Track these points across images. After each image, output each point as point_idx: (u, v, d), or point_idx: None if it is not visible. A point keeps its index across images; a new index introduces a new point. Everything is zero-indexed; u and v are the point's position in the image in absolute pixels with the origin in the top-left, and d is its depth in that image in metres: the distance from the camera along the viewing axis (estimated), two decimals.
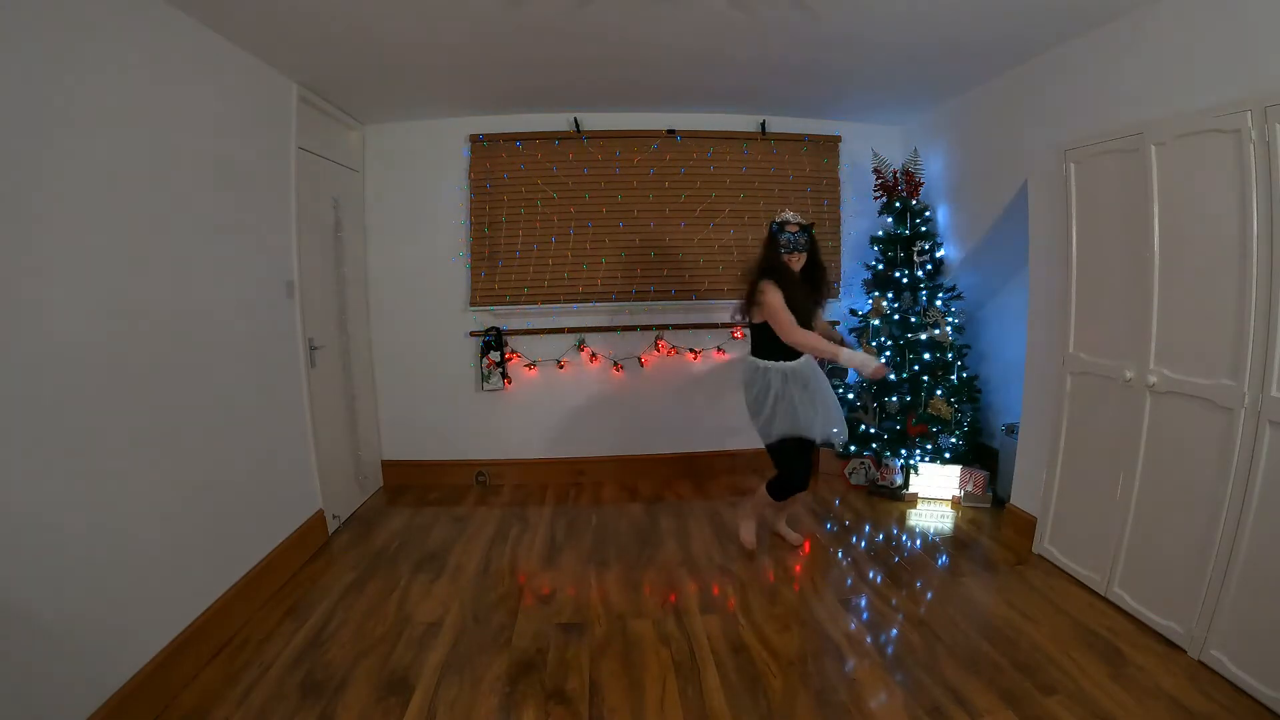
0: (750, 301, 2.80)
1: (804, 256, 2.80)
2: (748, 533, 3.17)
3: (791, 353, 2.82)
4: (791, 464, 2.88)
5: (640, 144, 4.09)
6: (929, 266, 3.86)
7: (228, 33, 2.53)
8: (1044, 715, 1.95)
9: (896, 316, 3.86)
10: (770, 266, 2.78)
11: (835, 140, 4.26)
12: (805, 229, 2.79)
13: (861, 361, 2.58)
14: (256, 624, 2.53)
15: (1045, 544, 2.98)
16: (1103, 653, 2.25)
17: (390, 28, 2.60)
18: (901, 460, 3.81)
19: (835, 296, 3.02)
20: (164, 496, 2.17)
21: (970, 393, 3.82)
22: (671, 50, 2.97)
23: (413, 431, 4.22)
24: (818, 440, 2.88)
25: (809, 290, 2.84)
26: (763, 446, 2.95)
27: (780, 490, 2.93)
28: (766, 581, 2.86)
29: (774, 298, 2.69)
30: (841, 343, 2.83)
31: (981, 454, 3.94)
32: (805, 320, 2.78)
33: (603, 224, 4.12)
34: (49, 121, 1.77)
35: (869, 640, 2.40)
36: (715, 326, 4.22)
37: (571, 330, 4.14)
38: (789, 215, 2.78)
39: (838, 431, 2.97)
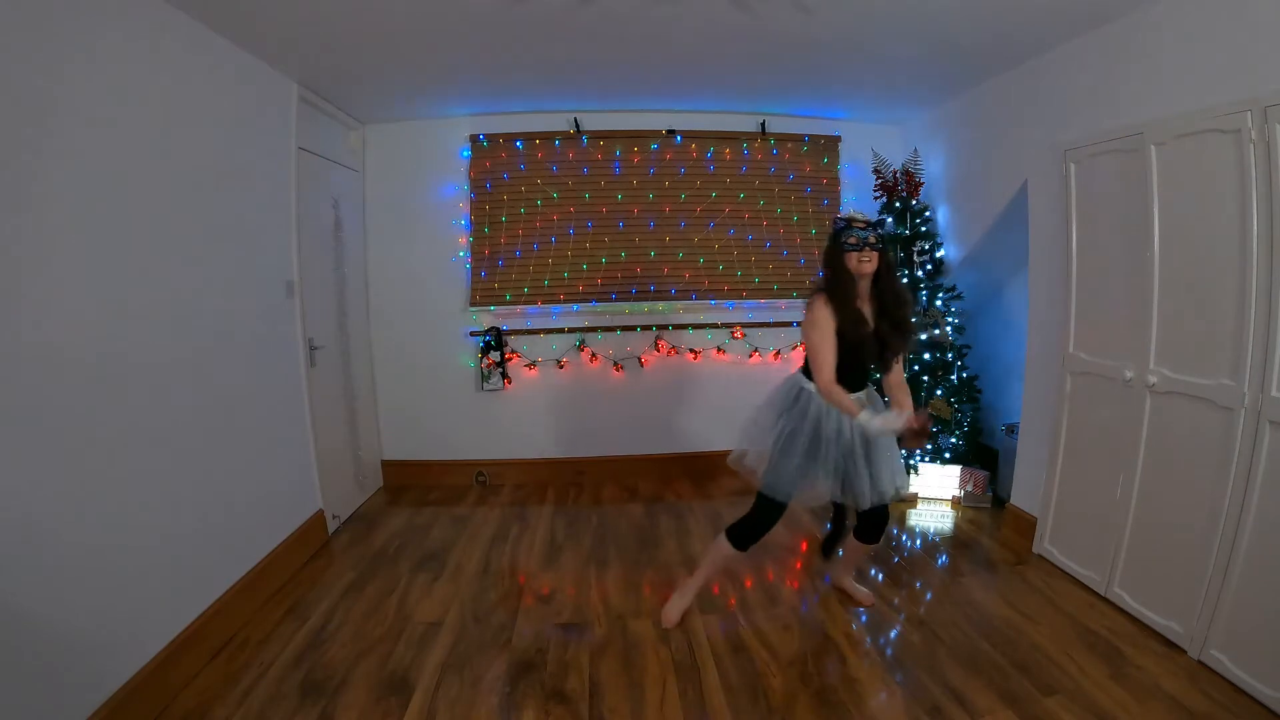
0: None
1: (875, 258, 2.21)
2: (675, 608, 2.54)
3: (853, 379, 2.28)
4: (772, 509, 2.36)
5: (640, 144, 4.09)
6: (929, 266, 3.87)
7: (228, 33, 2.52)
8: (1044, 715, 1.95)
9: None
10: (832, 276, 2.25)
11: (835, 140, 4.26)
12: (874, 227, 2.25)
13: (884, 426, 2.17)
14: (256, 624, 2.53)
15: (1045, 544, 2.98)
16: (1103, 653, 2.25)
17: (391, 26, 2.59)
18: (901, 460, 3.80)
19: (909, 342, 2.37)
20: (163, 496, 2.17)
21: (970, 393, 3.82)
22: (671, 49, 2.97)
23: (413, 431, 4.22)
24: (863, 505, 2.32)
25: (880, 321, 2.26)
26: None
27: (745, 536, 2.40)
28: (766, 581, 2.86)
29: (819, 318, 2.19)
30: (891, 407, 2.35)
31: (981, 454, 3.94)
32: (864, 362, 2.28)
33: (603, 224, 4.11)
34: (48, 122, 1.76)
35: (869, 640, 2.40)
36: (715, 326, 4.22)
37: (571, 330, 4.14)
38: (854, 211, 2.29)
39: (898, 487, 2.39)
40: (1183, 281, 2.28)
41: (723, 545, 2.43)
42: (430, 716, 2.01)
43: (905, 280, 3.85)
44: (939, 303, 3.80)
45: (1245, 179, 2.01)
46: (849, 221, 2.25)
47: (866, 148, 4.12)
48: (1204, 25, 2.18)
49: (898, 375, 2.40)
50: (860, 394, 2.32)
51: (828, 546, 2.77)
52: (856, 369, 2.29)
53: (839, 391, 2.19)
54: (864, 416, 2.17)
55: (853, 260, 2.20)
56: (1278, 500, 1.96)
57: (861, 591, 2.69)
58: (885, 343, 2.25)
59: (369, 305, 4.10)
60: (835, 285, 2.23)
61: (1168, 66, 2.33)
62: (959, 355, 3.79)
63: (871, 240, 2.21)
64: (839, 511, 2.64)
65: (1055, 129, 2.87)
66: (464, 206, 4.08)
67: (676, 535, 3.38)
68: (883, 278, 2.25)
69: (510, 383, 4.15)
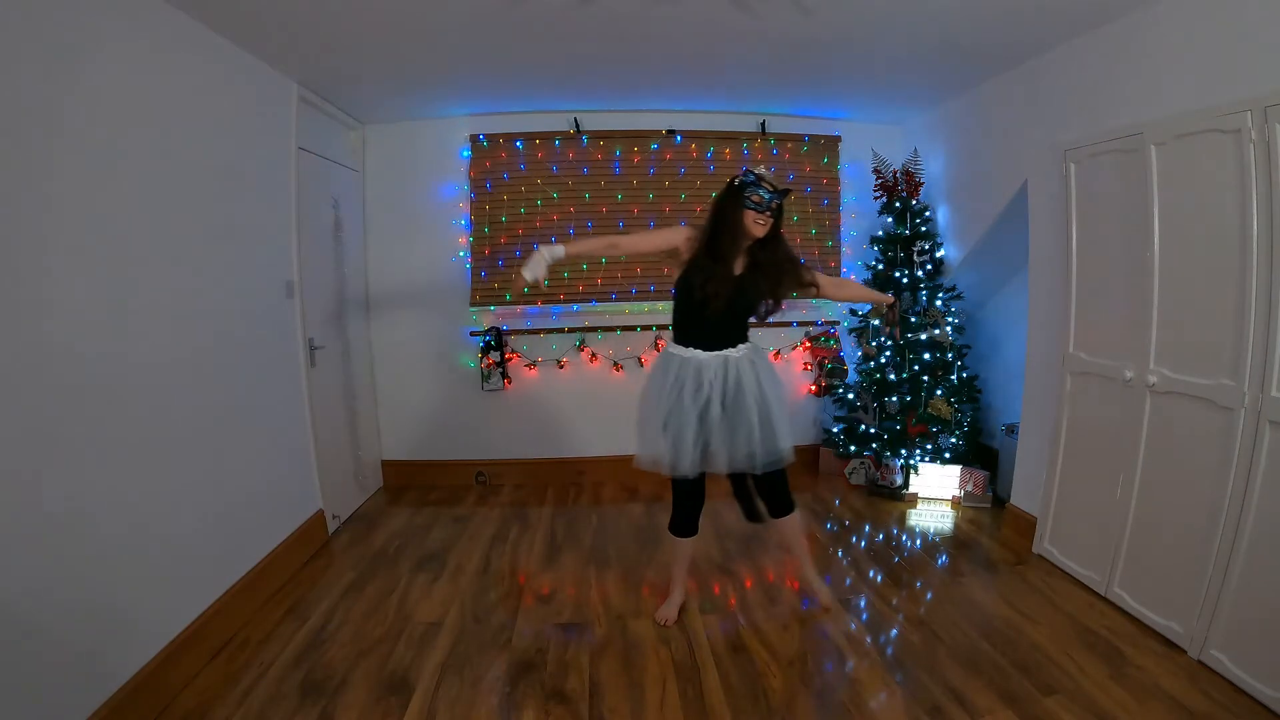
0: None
1: (770, 224, 2.19)
2: (670, 606, 2.55)
3: (711, 338, 2.25)
4: (676, 485, 2.39)
5: (640, 144, 4.09)
6: (929, 266, 3.87)
7: (228, 33, 2.52)
8: (1044, 715, 1.95)
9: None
10: (719, 226, 2.19)
11: (835, 140, 4.26)
12: (780, 194, 2.19)
13: (535, 263, 2.11)
14: (256, 624, 2.53)
15: (1045, 544, 2.98)
16: (1103, 653, 2.25)
17: (391, 26, 2.59)
18: (901, 460, 3.81)
19: (784, 287, 2.32)
20: (163, 496, 2.17)
21: (970, 393, 3.82)
22: (671, 49, 2.96)
23: (413, 431, 4.22)
24: (719, 469, 2.30)
25: (757, 278, 2.24)
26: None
27: (672, 522, 2.48)
28: (766, 581, 2.86)
29: (673, 230, 2.28)
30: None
31: (981, 454, 3.94)
32: (707, 318, 2.21)
33: (603, 224, 4.11)
34: (49, 123, 1.76)
35: (869, 640, 2.40)
36: None
37: (571, 330, 4.14)
38: (764, 172, 2.20)
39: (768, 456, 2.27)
40: (1183, 281, 2.28)
41: (670, 539, 2.53)
42: (430, 716, 2.01)
43: (905, 280, 3.86)
44: (939, 303, 3.81)
45: (1245, 179, 2.01)
46: (759, 179, 2.18)
47: (866, 148, 4.12)
48: (1204, 25, 2.18)
49: (828, 284, 2.45)
50: (731, 351, 2.27)
51: (747, 510, 2.62)
52: (706, 325, 2.24)
53: (583, 244, 2.32)
54: (542, 254, 2.12)
55: (749, 218, 2.16)
56: (1278, 500, 1.96)
57: (823, 590, 2.60)
58: (759, 296, 2.25)
59: (369, 305, 4.10)
60: (720, 236, 2.19)
61: (1168, 66, 2.33)
62: (959, 355, 3.80)
63: (775, 205, 2.18)
64: (733, 480, 2.53)
65: (1055, 129, 2.87)
66: (464, 206, 4.08)
67: None
68: (769, 244, 2.23)
69: (510, 383, 4.14)
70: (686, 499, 2.42)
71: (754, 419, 2.24)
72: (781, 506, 2.45)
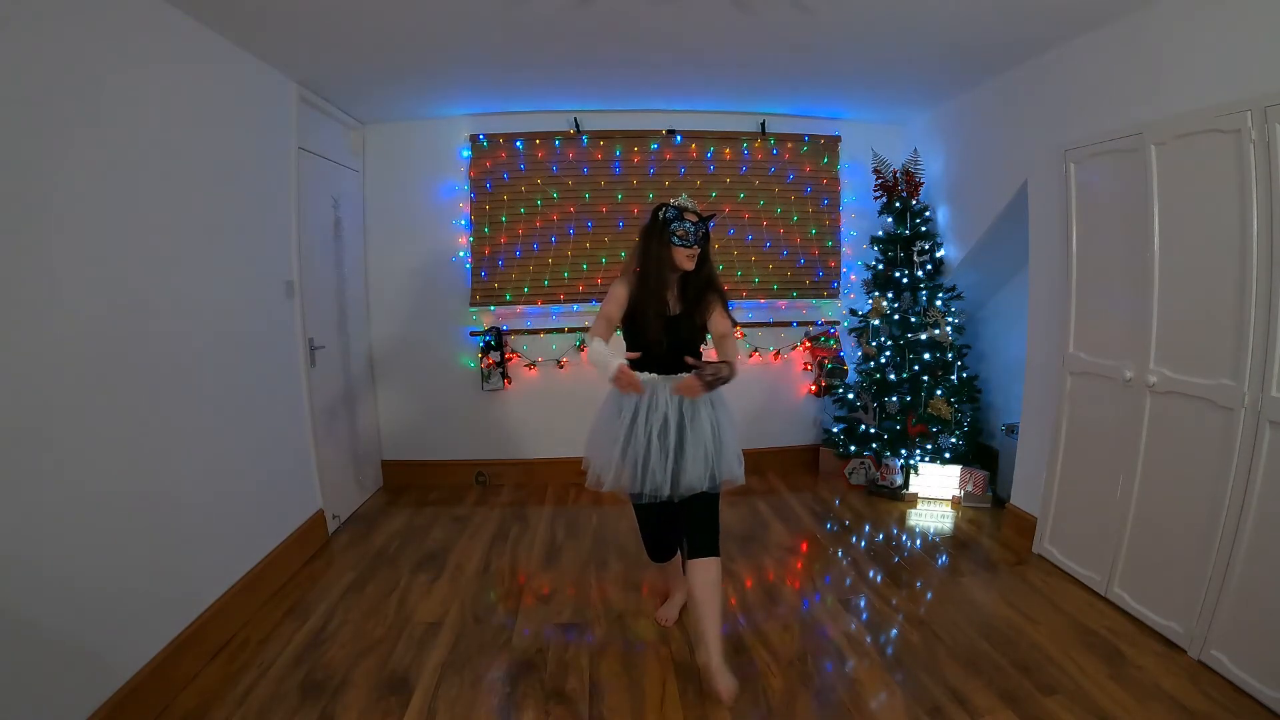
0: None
1: (696, 255, 2.15)
2: (672, 607, 2.55)
3: (663, 364, 2.17)
4: (638, 515, 2.39)
5: (640, 144, 4.09)
6: (929, 266, 3.87)
7: (228, 33, 2.52)
8: (1044, 715, 1.95)
9: (896, 316, 3.86)
10: (647, 262, 2.14)
11: (835, 140, 4.26)
12: (704, 222, 2.17)
13: (605, 362, 2.01)
14: (256, 624, 2.53)
15: (1045, 544, 2.98)
16: (1103, 653, 2.25)
17: (390, 26, 2.59)
18: (901, 460, 3.81)
19: (721, 311, 2.24)
20: (162, 496, 2.17)
21: (970, 393, 3.82)
22: (672, 49, 2.96)
23: (413, 431, 4.22)
24: (661, 494, 2.13)
25: (688, 306, 2.19)
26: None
27: (645, 546, 2.47)
28: (766, 581, 2.86)
29: (612, 289, 2.18)
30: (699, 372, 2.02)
31: (981, 454, 3.94)
32: (653, 347, 2.14)
33: (603, 224, 4.11)
34: (48, 123, 1.76)
35: (869, 640, 2.40)
36: None
37: (571, 330, 4.14)
38: (687, 202, 2.17)
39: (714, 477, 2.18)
40: (1183, 281, 2.28)
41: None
42: (430, 716, 2.01)
43: (905, 280, 3.86)
44: (939, 303, 3.81)
45: (1245, 179, 2.01)
46: (681, 212, 2.14)
47: (866, 148, 4.12)
48: (1204, 25, 2.18)
49: (719, 328, 2.23)
50: (684, 374, 2.13)
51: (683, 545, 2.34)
52: (656, 354, 2.17)
53: (594, 341, 2.08)
54: (597, 345, 2.05)
55: (679, 255, 2.13)
56: (1278, 500, 1.96)
57: (723, 674, 2.02)
58: (695, 325, 2.19)
59: (369, 305, 4.10)
60: (650, 277, 2.13)
61: (1168, 66, 2.33)
62: (959, 355, 3.80)
63: (700, 235, 2.14)
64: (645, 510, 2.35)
65: (1055, 129, 2.87)
66: (464, 206, 4.08)
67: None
68: (697, 270, 2.17)
69: (510, 383, 4.15)
70: (646, 523, 2.39)
71: (708, 439, 2.16)
72: (705, 541, 2.14)
